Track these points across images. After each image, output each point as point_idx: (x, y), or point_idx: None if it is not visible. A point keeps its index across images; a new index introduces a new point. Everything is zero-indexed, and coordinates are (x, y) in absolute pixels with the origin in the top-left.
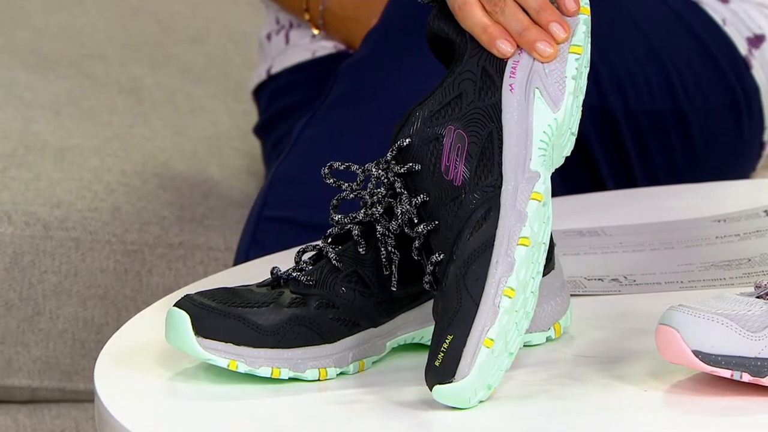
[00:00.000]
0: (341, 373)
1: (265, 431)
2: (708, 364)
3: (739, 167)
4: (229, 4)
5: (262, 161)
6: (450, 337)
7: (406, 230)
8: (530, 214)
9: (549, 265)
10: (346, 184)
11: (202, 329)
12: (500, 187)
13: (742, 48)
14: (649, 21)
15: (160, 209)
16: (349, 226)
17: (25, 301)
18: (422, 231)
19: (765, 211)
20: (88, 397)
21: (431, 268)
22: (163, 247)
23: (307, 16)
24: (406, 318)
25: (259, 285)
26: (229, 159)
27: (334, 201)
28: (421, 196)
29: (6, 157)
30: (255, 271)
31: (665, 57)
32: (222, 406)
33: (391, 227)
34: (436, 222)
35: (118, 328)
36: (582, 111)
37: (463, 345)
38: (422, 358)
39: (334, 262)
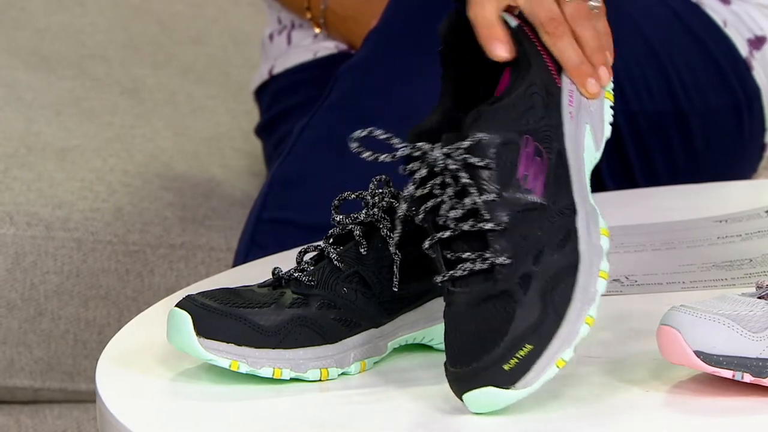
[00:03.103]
0: (343, 374)
1: (267, 431)
2: (709, 365)
3: (740, 168)
4: (230, 4)
5: (263, 162)
6: (529, 347)
7: (449, 223)
8: (604, 248)
9: None
10: (368, 152)
11: (203, 330)
12: (576, 213)
13: (743, 49)
14: (649, 22)
15: (161, 210)
16: (350, 226)
17: (27, 302)
18: (487, 228)
19: (766, 212)
20: (89, 397)
21: (484, 265)
22: (165, 248)
23: (308, 15)
24: (407, 318)
25: (261, 285)
26: (230, 159)
27: (336, 201)
28: (493, 195)
29: (7, 158)
30: (256, 272)
31: (665, 58)
32: (224, 406)
33: (448, 213)
34: (506, 224)
35: (119, 329)
36: None
37: (538, 358)
38: (423, 358)
39: (335, 262)
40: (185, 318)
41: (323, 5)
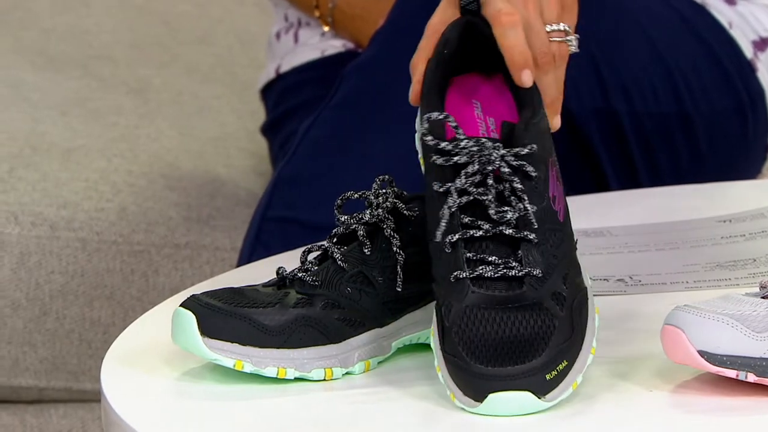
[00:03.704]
0: (347, 373)
1: (271, 431)
2: (713, 364)
3: (743, 170)
4: (236, 4)
5: (268, 161)
6: (565, 363)
7: (482, 224)
8: (590, 285)
9: None
10: (430, 137)
11: (207, 329)
12: (577, 247)
13: (748, 51)
14: (654, 24)
15: (166, 210)
16: (354, 226)
17: (32, 302)
18: (526, 238)
19: None
20: (94, 397)
21: (518, 272)
22: (170, 248)
23: (317, 13)
24: (411, 318)
25: (265, 285)
26: (235, 159)
27: (339, 201)
28: (536, 207)
29: (13, 158)
30: (261, 272)
31: (670, 60)
32: (228, 406)
33: (496, 213)
34: (541, 238)
35: (124, 329)
36: (586, 113)
37: (566, 375)
38: (427, 358)
39: (339, 262)
40: (190, 318)
41: (331, 3)
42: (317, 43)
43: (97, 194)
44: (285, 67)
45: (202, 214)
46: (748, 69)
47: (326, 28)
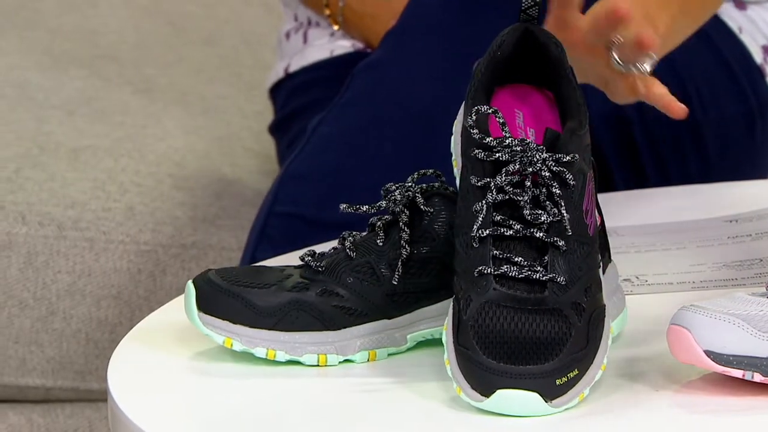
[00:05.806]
0: (347, 361)
1: None
2: (719, 364)
3: (752, 175)
4: (242, 5)
5: (274, 161)
6: (576, 372)
7: (514, 224)
8: (607, 305)
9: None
10: (476, 130)
11: (203, 305)
12: (601, 264)
13: (758, 56)
14: None
15: (173, 209)
16: (384, 215)
17: (39, 301)
18: (555, 244)
19: None
20: (101, 396)
21: (542, 276)
22: (177, 247)
23: (327, 11)
24: (427, 312)
25: (296, 267)
26: (241, 159)
27: (382, 191)
28: (570, 215)
29: (20, 158)
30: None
31: (681, 66)
32: (237, 407)
33: (531, 215)
34: (568, 247)
35: (131, 328)
36: (596, 120)
37: (575, 384)
38: (435, 352)
39: (347, 250)
40: (192, 292)
41: (341, 2)
42: (326, 44)
43: (104, 194)
44: (294, 67)
45: (209, 213)
46: (757, 74)
47: (335, 27)
